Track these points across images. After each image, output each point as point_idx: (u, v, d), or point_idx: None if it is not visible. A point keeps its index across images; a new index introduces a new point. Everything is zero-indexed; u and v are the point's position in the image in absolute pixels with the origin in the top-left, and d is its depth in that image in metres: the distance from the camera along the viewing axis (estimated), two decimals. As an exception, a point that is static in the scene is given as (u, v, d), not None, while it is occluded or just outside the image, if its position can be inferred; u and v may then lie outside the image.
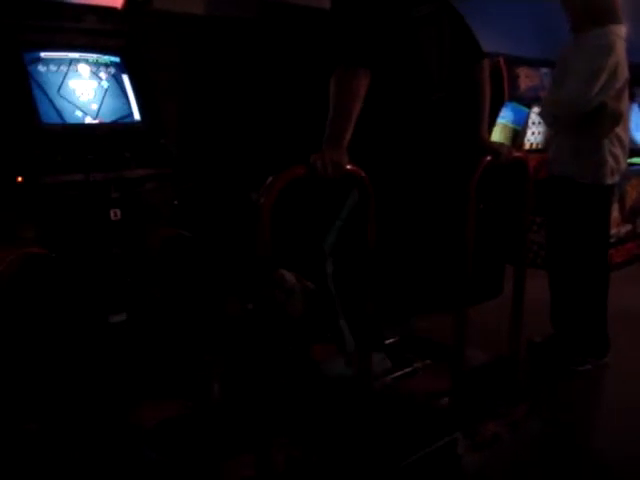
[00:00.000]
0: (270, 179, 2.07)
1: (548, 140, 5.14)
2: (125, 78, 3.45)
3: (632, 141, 6.47)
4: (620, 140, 3.66)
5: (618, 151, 3.65)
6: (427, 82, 2.77)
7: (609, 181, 3.67)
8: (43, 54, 3.22)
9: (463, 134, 2.89)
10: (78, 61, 3.32)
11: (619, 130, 3.62)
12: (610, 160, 3.62)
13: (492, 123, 5.58)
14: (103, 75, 3.39)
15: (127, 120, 3.43)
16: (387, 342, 3.47)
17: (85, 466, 2.50)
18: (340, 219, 2.93)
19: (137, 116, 3.45)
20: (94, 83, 3.34)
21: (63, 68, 3.26)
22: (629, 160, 6.08)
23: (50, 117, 3.18)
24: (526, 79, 5.82)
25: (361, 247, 2.35)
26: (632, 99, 6.29)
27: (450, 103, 2.85)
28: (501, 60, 5.53)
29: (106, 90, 3.39)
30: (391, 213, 2.78)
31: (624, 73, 3.57)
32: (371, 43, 2.59)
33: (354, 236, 2.73)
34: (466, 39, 2.91)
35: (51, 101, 3.20)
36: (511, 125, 5.86)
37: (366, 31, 2.59)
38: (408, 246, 2.98)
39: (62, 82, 3.24)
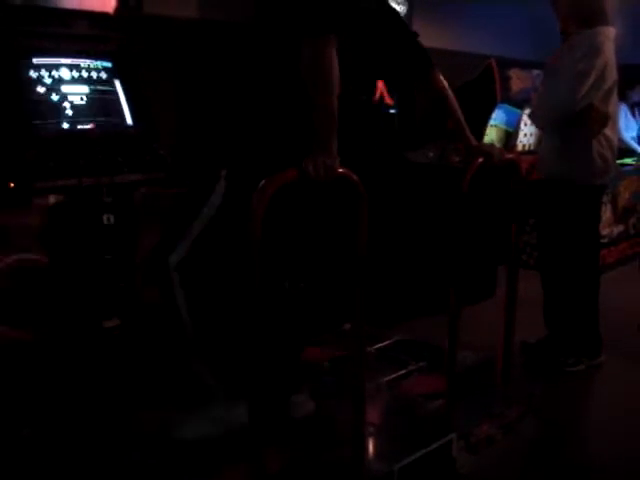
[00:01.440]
0: (262, 183, 2.07)
1: (538, 141, 5.16)
2: (117, 83, 3.45)
3: (622, 141, 6.52)
4: (609, 141, 3.67)
5: (607, 152, 3.67)
6: (361, 80, 2.67)
7: (598, 182, 3.69)
8: (35, 60, 3.21)
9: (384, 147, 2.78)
10: (70, 66, 3.32)
11: (607, 131, 3.63)
12: (598, 161, 3.63)
13: (484, 125, 5.61)
14: (95, 80, 3.39)
15: (119, 125, 3.43)
16: (382, 345, 3.48)
17: (78, 472, 2.50)
18: (195, 226, 2.66)
19: (129, 121, 3.45)
20: (86, 88, 3.34)
21: (55, 73, 3.26)
22: (621, 161, 6.13)
23: (42, 122, 3.18)
24: (518, 81, 5.84)
25: (351, 253, 2.33)
26: (622, 100, 6.34)
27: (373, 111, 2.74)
28: (493, 62, 5.55)
29: (98, 95, 3.39)
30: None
31: (612, 74, 3.58)
32: (335, 7, 2.40)
33: (215, 247, 2.58)
34: (412, 49, 2.76)
35: (43, 106, 3.20)
36: (503, 127, 5.88)
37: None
38: (397, 248, 2.93)
39: (54, 87, 3.24)
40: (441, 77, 2.79)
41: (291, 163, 2.21)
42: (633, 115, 7.25)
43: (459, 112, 2.78)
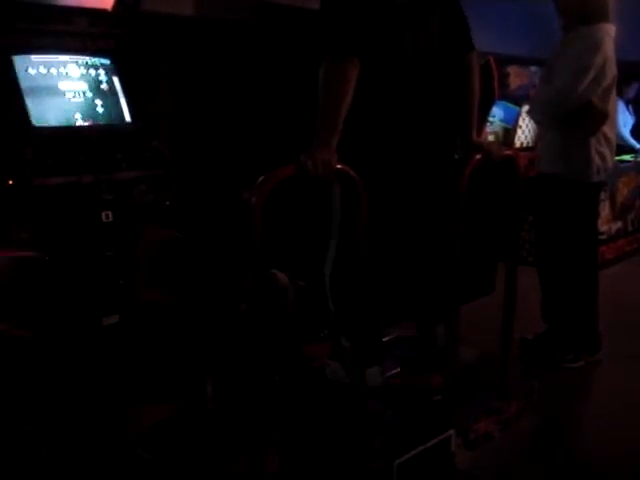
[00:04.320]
0: (261, 179, 2.08)
1: (537, 138, 5.16)
2: (116, 80, 3.45)
3: (621, 138, 6.52)
4: (607, 138, 3.67)
5: (605, 149, 3.67)
6: (413, 70, 2.70)
7: (595, 179, 3.69)
8: (33, 57, 3.21)
9: (449, 126, 2.83)
10: (68, 63, 3.32)
11: (606, 128, 3.63)
12: (596, 158, 3.63)
13: (483, 122, 5.60)
14: (93, 77, 3.39)
15: (118, 122, 3.43)
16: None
17: (79, 468, 2.50)
18: (333, 231, 2.86)
19: (128, 118, 3.45)
20: (85, 85, 3.34)
21: (53, 70, 3.26)
22: (620, 157, 6.13)
23: (41, 119, 3.17)
24: (516, 78, 5.84)
25: (351, 247, 2.34)
26: (620, 96, 6.35)
27: (438, 93, 2.78)
28: (491, 59, 5.55)
29: (97, 92, 3.39)
30: (385, 211, 2.74)
31: (612, 71, 3.58)
32: (358, 31, 2.54)
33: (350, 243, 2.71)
34: (457, 29, 2.81)
35: (42, 103, 3.20)
36: (501, 124, 5.88)
37: (353, 19, 2.54)
38: (402, 245, 2.94)
39: (53, 84, 3.24)
40: (476, 65, 2.83)
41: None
42: (628, 111, 7.26)
43: (476, 104, 2.81)
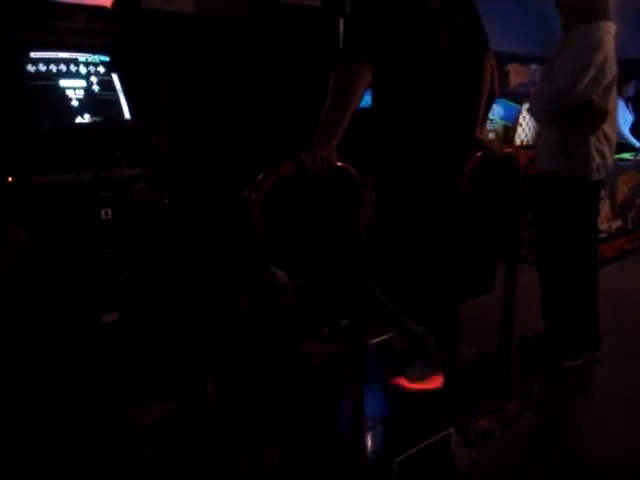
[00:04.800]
0: (260, 176, 2.07)
1: (537, 136, 5.16)
2: (115, 77, 3.45)
3: (621, 137, 6.51)
4: (607, 136, 3.67)
5: (604, 147, 3.66)
6: (441, 75, 2.74)
7: (595, 177, 3.68)
8: (33, 54, 3.21)
9: (465, 127, 2.86)
10: (68, 60, 3.32)
11: (606, 126, 3.63)
12: (596, 156, 3.63)
13: (483, 120, 5.59)
14: (93, 74, 3.38)
15: (117, 119, 3.43)
16: (380, 339, 3.48)
17: (80, 465, 2.50)
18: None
19: (127, 115, 3.45)
20: (84, 82, 3.33)
21: (53, 67, 3.25)
22: (620, 156, 6.13)
23: (40, 117, 3.17)
24: (516, 76, 5.84)
25: (351, 245, 2.33)
26: (619, 94, 6.34)
27: (457, 96, 2.81)
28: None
29: (96, 89, 3.38)
30: (402, 208, 2.78)
31: (612, 69, 3.58)
32: (375, 38, 2.56)
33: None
34: (474, 29, 2.84)
35: (41, 100, 3.19)
36: (502, 121, 5.88)
37: (371, 25, 2.57)
38: (415, 242, 2.94)
39: (52, 81, 3.24)
40: (489, 65, 2.86)
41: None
42: (628, 109, 7.26)
43: (484, 103, 2.83)
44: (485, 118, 5.60)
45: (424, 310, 2.94)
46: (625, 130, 6.99)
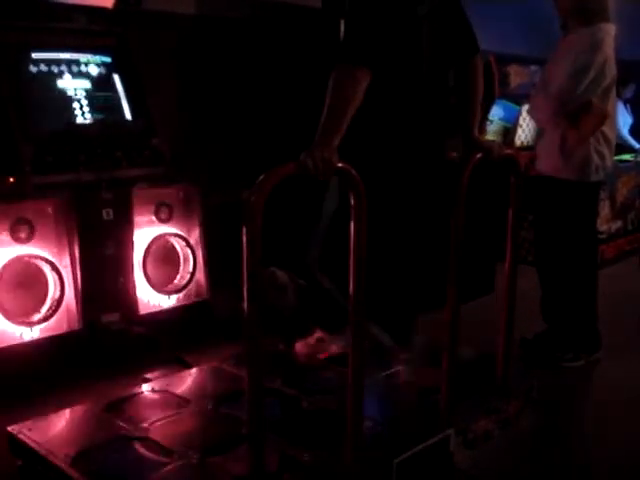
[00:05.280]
0: (261, 177, 2.08)
1: (536, 137, 5.17)
2: (116, 78, 3.46)
3: (620, 138, 6.51)
4: (606, 138, 3.67)
5: (604, 149, 3.67)
6: (418, 80, 2.76)
7: (594, 178, 3.68)
8: (34, 54, 3.22)
9: (442, 128, 2.88)
10: (69, 61, 3.33)
11: (605, 128, 3.63)
12: (595, 158, 3.63)
13: (483, 121, 5.60)
14: (94, 75, 3.39)
15: (118, 120, 3.44)
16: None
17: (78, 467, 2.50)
18: (321, 229, 2.87)
19: (128, 116, 3.46)
20: (85, 83, 3.34)
21: (54, 68, 3.26)
22: (620, 157, 6.13)
23: (41, 117, 3.18)
24: (516, 77, 5.84)
25: (353, 247, 2.33)
26: (618, 96, 6.34)
27: (437, 96, 2.83)
28: (492, 58, 5.55)
29: (97, 90, 3.39)
30: (386, 211, 2.77)
31: (612, 71, 3.58)
32: (373, 42, 2.58)
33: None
34: (463, 32, 2.86)
35: (42, 101, 3.20)
36: (502, 123, 5.88)
37: (369, 30, 2.59)
38: (402, 244, 2.96)
39: (53, 82, 3.25)
40: (480, 67, 2.85)
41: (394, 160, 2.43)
42: (627, 111, 7.26)
43: (479, 105, 2.83)
44: (485, 119, 5.64)
45: (385, 310, 2.96)
46: (624, 132, 7.00)
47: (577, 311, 3.78)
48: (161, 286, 3.67)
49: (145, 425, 2.62)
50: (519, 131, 6.03)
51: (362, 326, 2.34)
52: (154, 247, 3.60)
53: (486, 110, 5.67)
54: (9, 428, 2.56)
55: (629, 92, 7.25)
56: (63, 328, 3.27)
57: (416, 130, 2.78)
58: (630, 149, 6.93)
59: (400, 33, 2.67)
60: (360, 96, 2.54)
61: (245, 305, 2.07)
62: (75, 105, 3.29)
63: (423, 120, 2.80)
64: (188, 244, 3.75)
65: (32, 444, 2.47)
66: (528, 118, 5.77)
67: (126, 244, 3.42)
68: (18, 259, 3.11)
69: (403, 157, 2.80)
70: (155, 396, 2.90)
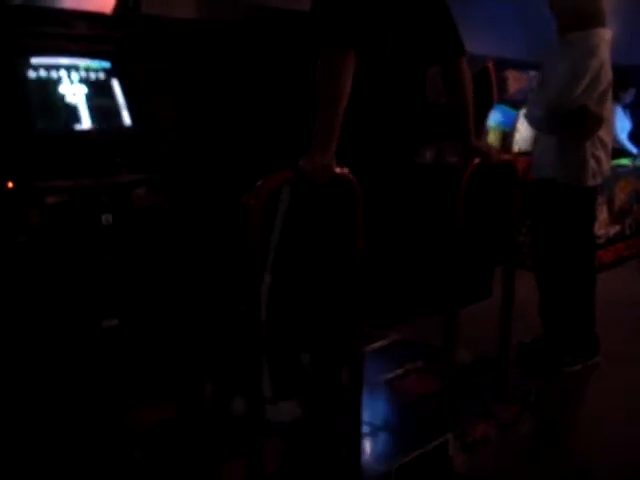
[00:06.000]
0: (259, 182, 2.08)
1: (533, 142, 5.18)
2: (115, 83, 3.46)
3: (619, 143, 6.52)
4: (602, 142, 3.68)
5: (600, 153, 3.68)
6: (390, 71, 2.66)
7: (590, 183, 3.69)
8: (34, 60, 3.22)
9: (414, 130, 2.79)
10: (68, 67, 3.33)
11: (602, 132, 3.64)
12: (592, 162, 3.64)
13: (481, 126, 5.61)
14: (93, 80, 3.39)
15: (118, 125, 3.43)
16: (379, 345, 3.49)
17: (79, 469, 2.50)
18: (276, 230, 2.72)
19: (128, 121, 3.46)
20: (84, 88, 3.34)
21: (53, 74, 3.26)
22: (617, 162, 6.14)
23: (40, 123, 3.18)
24: (514, 82, 5.85)
25: (347, 254, 2.33)
26: (617, 101, 6.35)
27: (411, 96, 2.73)
28: (490, 63, 5.56)
29: (96, 95, 3.39)
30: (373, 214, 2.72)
31: (608, 76, 3.60)
32: (356, 23, 2.46)
33: (294, 249, 2.66)
34: (449, 33, 2.76)
35: (42, 107, 3.20)
36: (500, 128, 5.89)
37: (350, 11, 2.47)
38: (394, 249, 2.93)
39: (52, 88, 3.25)
40: (466, 69, 2.79)
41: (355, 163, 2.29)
42: (625, 116, 7.27)
43: (471, 108, 2.79)
44: (483, 124, 5.65)
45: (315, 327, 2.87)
46: (622, 137, 7.01)
47: (575, 316, 3.79)
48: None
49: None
50: (517, 136, 6.04)
51: (359, 330, 2.34)
52: (154, 252, 3.61)
53: (484, 115, 5.68)
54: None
55: (629, 97, 7.25)
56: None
57: (384, 128, 2.69)
58: (628, 154, 6.94)
59: (374, 19, 2.56)
60: (350, 84, 2.41)
61: (245, 309, 2.08)
62: (74, 111, 3.29)
63: (391, 118, 2.71)
64: (187, 248, 3.75)
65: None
66: (526, 123, 5.79)
67: (125, 250, 3.41)
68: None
69: (371, 156, 2.68)
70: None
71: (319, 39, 2.49)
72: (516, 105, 5.87)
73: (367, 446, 2.55)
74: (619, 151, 6.20)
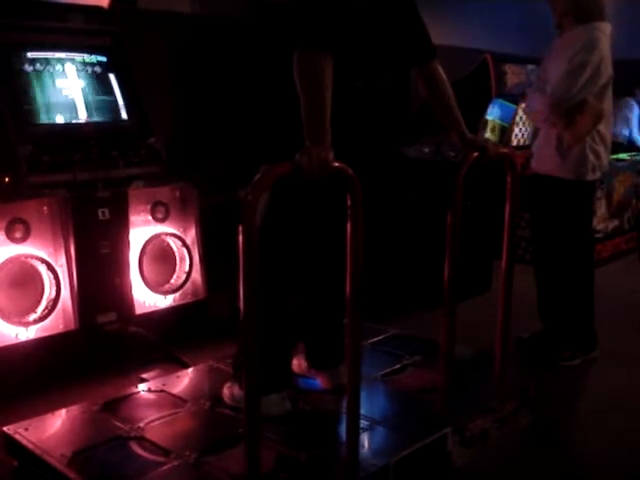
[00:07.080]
0: (257, 176, 2.07)
1: (532, 136, 5.18)
2: (112, 77, 3.45)
3: (621, 136, 6.51)
4: (602, 137, 3.67)
5: (600, 148, 3.67)
6: (356, 67, 2.61)
7: (590, 177, 3.69)
8: (30, 54, 3.22)
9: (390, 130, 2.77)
10: (65, 61, 3.32)
11: (601, 127, 3.64)
12: (591, 156, 3.64)
13: (479, 120, 5.61)
14: (90, 74, 3.39)
15: (114, 119, 3.43)
16: (377, 339, 3.49)
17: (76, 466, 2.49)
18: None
19: (124, 115, 3.45)
20: (81, 82, 3.34)
21: (50, 68, 3.26)
22: (617, 156, 6.14)
23: (37, 117, 3.18)
24: (513, 76, 5.85)
25: (347, 249, 2.32)
26: (633, 97, 6.35)
27: (371, 92, 2.71)
28: (488, 57, 5.56)
29: (93, 89, 3.39)
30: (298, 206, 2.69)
31: (608, 70, 3.59)
32: (331, 25, 2.45)
33: (274, 247, 2.64)
34: (417, 36, 2.75)
35: (38, 101, 3.20)
36: (498, 122, 5.89)
37: (326, 13, 2.45)
38: (389, 244, 2.91)
39: (49, 82, 3.24)
40: (440, 69, 2.78)
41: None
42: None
43: (453, 101, 2.78)
44: (482, 118, 5.65)
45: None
46: (635, 132, 7.00)
47: (573, 310, 3.79)
48: (157, 286, 3.67)
49: (141, 425, 2.62)
50: (515, 130, 6.04)
51: (359, 326, 2.33)
52: (150, 247, 3.61)
53: (483, 108, 5.67)
54: (5, 428, 2.56)
55: None
56: (59, 328, 3.27)
57: (350, 123, 2.62)
58: (629, 148, 6.93)
59: (347, 21, 2.52)
60: (330, 80, 2.39)
61: (241, 304, 2.07)
62: (71, 105, 3.29)
63: (359, 112, 2.66)
64: (184, 244, 3.75)
65: (28, 444, 2.47)
66: (525, 117, 5.78)
67: (122, 244, 3.41)
68: (14, 259, 3.11)
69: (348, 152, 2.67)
70: (151, 396, 2.89)
71: (296, 39, 2.46)
72: (514, 99, 5.87)
73: (365, 440, 2.55)
74: (619, 145, 6.20)
